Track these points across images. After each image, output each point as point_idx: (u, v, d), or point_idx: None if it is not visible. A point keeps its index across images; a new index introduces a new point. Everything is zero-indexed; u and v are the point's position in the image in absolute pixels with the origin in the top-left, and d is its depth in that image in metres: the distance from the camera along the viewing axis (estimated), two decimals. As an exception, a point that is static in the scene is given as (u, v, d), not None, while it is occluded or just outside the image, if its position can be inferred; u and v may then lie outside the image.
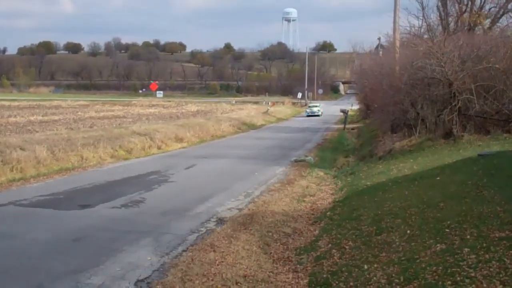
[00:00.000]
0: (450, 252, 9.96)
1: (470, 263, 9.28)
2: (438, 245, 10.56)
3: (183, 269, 11.42)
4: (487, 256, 9.34)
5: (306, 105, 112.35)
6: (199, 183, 23.07)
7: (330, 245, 13.18)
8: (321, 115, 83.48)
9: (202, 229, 15.13)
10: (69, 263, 11.83)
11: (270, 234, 14.79)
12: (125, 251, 12.76)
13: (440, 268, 9.42)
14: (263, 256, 12.91)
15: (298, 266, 12.28)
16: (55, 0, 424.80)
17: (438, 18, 39.24)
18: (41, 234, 14.19)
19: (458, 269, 9.15)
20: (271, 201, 18.92)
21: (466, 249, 9.86)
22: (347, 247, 12.53)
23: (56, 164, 26.88)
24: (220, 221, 16.11)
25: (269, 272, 11.79)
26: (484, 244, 9.86)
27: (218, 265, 11.80)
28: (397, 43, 34.64)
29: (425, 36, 34.68)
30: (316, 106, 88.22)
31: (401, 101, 29.61)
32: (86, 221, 15.75)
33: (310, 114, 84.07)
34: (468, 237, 10.52)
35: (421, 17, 36.82)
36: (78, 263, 11.82)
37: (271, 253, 13.29)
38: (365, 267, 10.86)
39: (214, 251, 12.79)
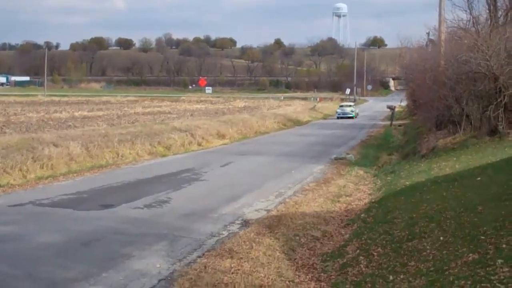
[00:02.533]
0: (482, 264, 8.97)
1: (502, 277, 8.29)
2: (471, 254, 9.59)
3: (192, 278, 10.59)
4: (522, 270, 8.36)
5: (354, 101, 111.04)
6: (231, 182, 22.34)
7: (358, 251, 12.31)
8: (355, 116, 71.01)
9: (223, 232, 14.36)
10: (71, 270, 11.12)
11: (297, 238, 13.97)
12: (135, 256, 12.01)
13: (469, 282, 8.44)
14: (285, 263, 12.08)
15: (322, 274, 11.43)
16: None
17: (487, 11, 37.81)
18: (52, 237, 13.57)
19: (488, 285, 8.18)
20: (303, 202, 18.12)
21: (500, 261, 8.85)
22: (375, 253, 11.63)
23: (89, 161, 26.41)
24: (245, 223, 15.33)
25: (289, 281, 10.95)
26: (521, 256, 8.88)
27: (232, 273, 10.96)
28: (442, 37, 33.36)
29: (472, 30, 33.36)
30: (349, 106, 75.87)
31: (445, 96, 28.45)
32: (103, 222, 15.11)
33: (341, 115, 71.11)
34: (504, 246, 9.51)
35: (467, 10, 35.49)
36: (80, 270, 11.10)
37: (295, 259, 12.46)
38: (391, 277, 9.98)
39: (232, 257, 11.97)
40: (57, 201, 17.91)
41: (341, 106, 76.49)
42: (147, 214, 16.27)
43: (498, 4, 38.55)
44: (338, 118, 70.06)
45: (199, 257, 12.14)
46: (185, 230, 14.36)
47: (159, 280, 10.66)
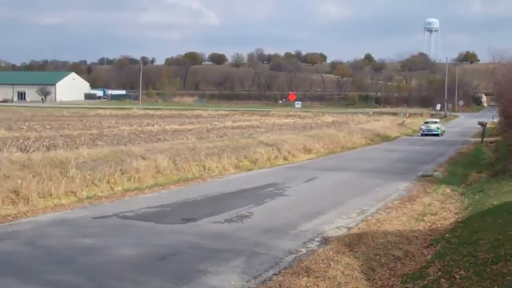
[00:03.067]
0: None
1: None
2: (556, 281, 9.18)
3: (267, 296, 10.52)
4: None
5: (445, 116, 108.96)
6: (314, 197, 22.18)
7: (440, 273, 11.93)
8: (441, 134, 65.50)
9: (302, 249, 14.16)
10: (144, 285, 11.17)
11: (378, 257, 13.65)
12: (210, 273, 11.95)
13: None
14: (363, 283, 11.83)
15: (401, 296, 11.15)
16: (202, 13, 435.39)
17: None
18: (130, 250, 13.71)
19: None
20: (386, 220, 17.79)
21: None
22: (457, 276, 11.24)
23: (176, 174, 26.70)
24: (325, 241, 15.10)
25: (367, 302, 10.72)
26: None
27: (308, 292, 10.84)
28: (537, 52, 32.33)
29: None
30: (434, 122, 69.85)
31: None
32: (182, 236, 15.18)
33: (425, 132, 66.00)
34: None
35: None
36: (154, 285, 11.13)
37: (374, 279, 12.16)
38: (471, 302, 9.63)
39: (308, 276, 11.77)
40: (140, 214, 18.11)
41: (426, 122, 71.05)
42: (226, 229, 16.26)
43: None
44: (422, 135, 65.39)
45: (275, 274, 11.99)
46: (263, 246, 14.27)
47: (233, 298, 10.60)
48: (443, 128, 68.55)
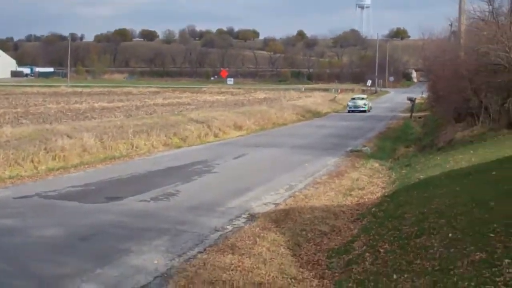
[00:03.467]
0: (489, 263, 8.58)
1: (507, 279, 7.92)
2: (478, 253, 9.19)
3: (190, 275, 10.22)
4: (529, 270, 7.95)
5: (376, 92, 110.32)
6: (242, 174, 22.03)
7: (365, 247, 11.92)
8: (368, 110, 65.35)
9: (228, 227, 13.98)
10: (65, 266, 10.81)
11: (304, 233, 13.58)
12: (133, 252, 11.66)
13: (473, 284, 8.08)
14: (289, 259, 11.71)
15: (326, 271, 11.06)
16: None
17: (510, 2, 37.10)
18: (52, 230, 13.31)
19: (492, 287, 7.79)
20: (313, 195, 17.78)
21: (507, 261, 8.46)
22: (382, 250, 11.24)
23: (103, 153, 26.22)
24: (251, 217, 14.95)
25: (291, 278, 10.55)
26: (529, 256, 8.47)
27: (232, 270, 10.59)
28: (462, 28, 32.81)
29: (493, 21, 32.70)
30: (362, 99, 68.78)
31: (464, 88, 28.00)
32: (106, 216, 14.80)
33: (353, 109, 65.32)
34: (513, 244, 9.13)
35: (488, 1, 34.76)
36: (74, 266, 10.78)
37: (300, 255, 12.08)
38: (395, 276, 9.59)
39: (233, 253, 11.59)
40: (64, 194, 17.66)
41: (353, 98, 70.22)
42: (152, 207, 15.98)
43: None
44: (349, 111, 64.76)
45: (200, 252, 11.79)
46: (189, 224, 14.03)
47: (155, 277, 10.29)
48: (370, 104, 68.33)
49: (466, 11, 33.59)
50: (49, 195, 17.34)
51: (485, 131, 25.38)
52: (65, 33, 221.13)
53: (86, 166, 23.53)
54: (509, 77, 24.60)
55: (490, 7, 34.11)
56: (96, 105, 55.35)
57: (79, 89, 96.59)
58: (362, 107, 65.15)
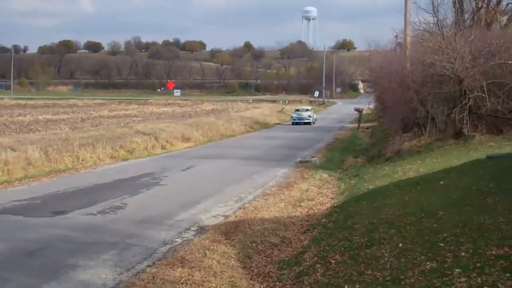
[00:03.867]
0: (440, 273, 8.57)
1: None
2: (429, 262, 9.19)
3: (139, 289, 10.07)
4: (479, 280, 7.91)
5: (323, 103, 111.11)
6: (191, 186, 21.78)
7: (315, 258, 11.87)
8: (313, 122, 63.49)
9: (177, 240, 13.76)
10: (9, 282, 10.50)
11: (254, 245, 13.50)
12: (80, 267, 11.38)
13: (424, 293, 8.06)
14: (239, 272, 11.61)
15: (277, 283, 10.98)
16: (76, 0, 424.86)
17: (454, 14, 37.81)
18: (-5, 246, 12.93)
19: (444, 296, 7.79)
20: (263, 207, 17.66)
21: (458, 270, 8.45)
22: (333, 261, 11.19)
23: (48, 166, 25.77)
24: (201, 230, 14.77)
25: (242, 291, 10.46)
26: (478, 264, 8.45)
27: (182, 283, 10.44)
28: (408, 39, 33.18)
29: (438, 32, 33.26)
30: (306, 110, 66.26)
31: (411, 99, 28.30)
32: (52, 230, 14.45)
33: (297, 121, 62.67)
34: (463, 254, 9.13)
35: (432, 13, 35.39)
36: (19, 282, 10.49)
37: (251, 267, 12.01)
38: (346, 287, 9.53)
39: (183, 266, 11.41)
40: (8, 208, 17.25)
41: (297, 110, 67.43)
42: (99, 221, 15.65)
43: (465, 7, 38.61)
44: (293, 123, 61.98)
45: (149, 266, 11.56)
46: (137, 238, 13.78)
47: (103, 293, 10.08)
48: (315, 116, 66.19)
49: (411, 23, 34.07)
50: (-8, 209, 16.91)
51: (432, 141, 25.63)
52: (8, 44, 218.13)
53: (30, 179, 23.06)
54: (455, 88, 24.92)
55: (435, 18, 34.78)
56: (40, 117, 54.58)
57: (23, 102, 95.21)
58: (307, 119, 62.77)
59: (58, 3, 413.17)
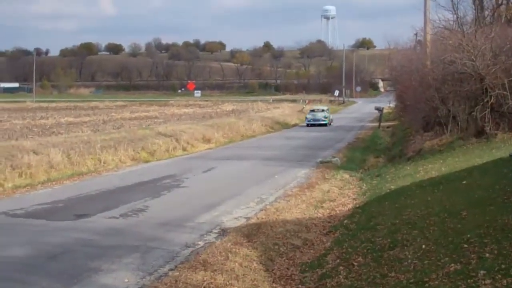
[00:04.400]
0: (464, 275, 8.53)
1: (483, 291, 7.85)
2: (453, 264, 9.14)
3: (161, 293, 10.06)
4: (504, 282, 7.86)
5: (343, 102, 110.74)
6: (212, 188, 21.76)
7: (338, 260, 11.81)
8: (329, 123, 60.02)
9: (199, 242, 13.78)
10: (33, 285, 10.57)
11: (276, 247, 13.46)
12: (103, 271, 11.41)
13: (449, 296, 8.00)
14: (262, 274, 11.57)
15: (300, 286, 10.93)
16: (96, 2, 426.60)
17: (474, 11, 37.54)
18: (19, 250, 12.99)
19: (468, 299, 7.72)
20: (284, 208, 17.62)
21: (482, 272, 8.39)
22: (355, 263, 11.14)
23: (70, 169, 25.86)
24: (223, 232, 14.77)
25: (264, 294, 10.43)
26: (503, 266, 8.40)
27: (204, 287, 10.44)
28: (428, 37, 32.97)
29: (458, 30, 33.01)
30: (322, 111, 62.58)
31: (432, 97, 28.10)
32: (74, 233, 14.52)
33: (311, 122, 59.38)
34: (487, 255, 9.06)
35: (452, 10, 35.11)
36: (43, 286, 10.53)
37: (273, 270, 11.97)
38: (369, 290, 9.50)
39: (205, 269, 11.39)
40: (31, 211, 17.36)
41: (312, 110, 63.88)
42: (121, 224, 15.71)
43: (485, 4, 38.33)
44: (308, 125, 58.93)
45: (171, 270, 11.57)
46: (159, 241, 13.81)
47: (126, 297, 10.10)
48: (331, 117, 62.88)
49: (431, 21, 33.83)
50: (16, 214, 17.03)
51: (454, 140, 25.45)
52: (30, 47, 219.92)
53: (53, 182, 23.19)
54: (476, 86, 24.75)
55: (455, 16, 34.51)
56: (62, 120, 54.90)
57: (45, 104, 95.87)
58: (323, 120, 59.34)
59: (79, 6, 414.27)
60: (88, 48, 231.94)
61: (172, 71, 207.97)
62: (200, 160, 30.38)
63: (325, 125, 58.07)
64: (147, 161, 30.20)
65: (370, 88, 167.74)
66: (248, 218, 16.44)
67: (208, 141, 39.41)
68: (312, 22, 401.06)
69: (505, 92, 23.40)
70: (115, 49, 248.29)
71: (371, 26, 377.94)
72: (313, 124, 58.13)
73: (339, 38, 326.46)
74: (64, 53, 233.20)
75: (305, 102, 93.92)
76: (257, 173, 25.72)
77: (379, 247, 11.66)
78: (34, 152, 25.68)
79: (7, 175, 22.62)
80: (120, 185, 22.27)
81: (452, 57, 25.32)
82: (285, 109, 76.05)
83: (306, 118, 61.07)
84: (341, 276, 10.68)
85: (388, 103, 78.62)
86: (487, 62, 23.93)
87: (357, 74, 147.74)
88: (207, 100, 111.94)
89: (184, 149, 35.42)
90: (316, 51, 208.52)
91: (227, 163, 29.25)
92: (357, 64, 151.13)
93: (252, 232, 14.54)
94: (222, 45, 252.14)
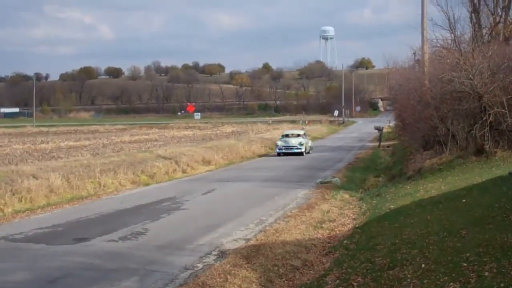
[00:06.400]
0: (463, 294, 8.49)
1: (483, 310, 7.82)
2: (452, 283, 9.13)
3: (159, 317, 10.03)
4: (503, 302, 7.85)
5: (343, 122, 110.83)
6: (212, 210, 21.71)
7: (338, 281, 11.79)
8: (306, 151, 47.54)
9: (198, 265, 13.74)
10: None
11: (276, 268, 13.45)
12: (101, 295, 11.40)
13: (448, 316, 7.97)
14: (261, 296, 11.53)
15: (299, 307, 10.89)
16: (95, 27, 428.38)
17: (471, 29, 37.62)
18: (18, 274, 12.96)
19: (469, 319, 7.69)
20: (284, 229, 17.57)
21: (481, 291, 8.38)
22: (355, 284, 11.13)
23: (70, 193, 25.84)
24: (222, 254, 14.73)
25: (263, 316, 10.39)
26: (502, 284, 8.40)
27: (203, 309, 10.43)
28: (426, 56, 33.06)
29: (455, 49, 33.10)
30: (297, 136, 49.41)
31: (431, 116, 28.12)
32: (74, 258, 14.48)
33: (283, 150, 46.93)
34: (486, 274, 9.05)
35: (447, 29, 35.22)
36: (40, 312, 10.52)
37: (272, 291, 11.90)
38: (368, 310, 9.46)
39: (204, 292, 11.39)
40: (31, 236, 17.30)
41: (285, 136, 50.41)
42: (120, 247, 15.66)
43: (482, 22, 38.43)
44: (278, 154, 47.11)
45: (169, 293, 11.53)
46: (158, 264, 13.77)
47: (125, 321, 10.05)
48: (310, 143, 51.06)
49: (429, 40, 33.89)
50: (15, 238, 16.98)
51: (453, 158, 25.42)
52: (30, 72, 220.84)
53: (53, 207, 23.15)
54: (474, 104, 24.77)
55: (452, 35, 34.61)
56: (62, 144, 55.00)
57: (45, 129, 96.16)
58: (297, 148, 46.84)
59: (78, 31, 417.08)
60: (87, 72, 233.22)
61: (171, 94, 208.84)
62: (200, 182, 30.35)
63: (300, 153, 46.50)
64: (147, 184, 30.16)
65: (370, 107, 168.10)
66: (247, 240, 16.40)
67: (208, 163, 39.39)
68: (310, 43, 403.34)
69: (503, 110, 23.39)
70: (114, 72, 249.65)
71: (369, 45, 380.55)
72: (285, 153, 46.73)
73: (338, 58, 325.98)
74: (63, 77, 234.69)
75: (305, 122, 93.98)
76: (257, 194, 25.67)
77: (378, 267, 11.64)
78: (34, 177, 25.66)
79: (7, 200, 22.55)
80: (119, 208, 22.23)
81: (450, 75, 25.36)
82: (284, 130, 75.96)
83: (276, 145, 48.89)
84: (340, 297, 10.66)
85: (387, 123, 78.64)
86: (485, 80, 23.96)
87: (357, 94, 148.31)
88: (207, 122, 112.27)
89: (184, 172, 35.37)
90: (315, 71, 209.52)
91: (227, 185, 29.21)
92: (356, 84, 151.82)
93: (251, 254, 14.52)
94: (221, 67, 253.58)
